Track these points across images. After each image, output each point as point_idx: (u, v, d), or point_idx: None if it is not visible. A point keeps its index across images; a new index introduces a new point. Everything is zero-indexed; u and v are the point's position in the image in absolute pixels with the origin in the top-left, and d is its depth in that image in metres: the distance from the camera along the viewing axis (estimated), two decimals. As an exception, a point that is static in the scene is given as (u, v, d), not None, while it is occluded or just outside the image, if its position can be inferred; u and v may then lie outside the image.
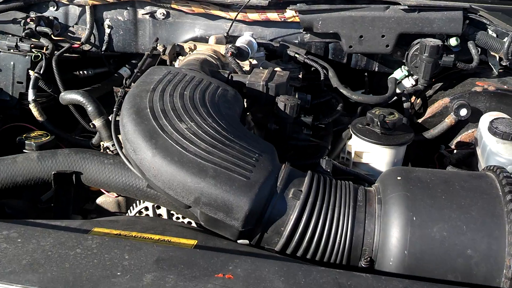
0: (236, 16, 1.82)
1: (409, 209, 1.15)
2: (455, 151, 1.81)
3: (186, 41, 1.95)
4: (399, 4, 1.72)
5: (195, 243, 1.16)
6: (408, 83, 1.85)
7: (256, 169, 1.20)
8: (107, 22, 2.07)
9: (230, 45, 1.69)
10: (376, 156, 1.52)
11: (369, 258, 1.18)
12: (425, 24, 1.74)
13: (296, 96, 1.66)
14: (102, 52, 2.11)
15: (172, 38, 2.00)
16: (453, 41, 1.76)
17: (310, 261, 1.19)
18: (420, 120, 1.84)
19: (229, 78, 1.63)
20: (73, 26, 2.12)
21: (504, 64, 1.76)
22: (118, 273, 0.90)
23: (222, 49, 1.76)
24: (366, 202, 1.22)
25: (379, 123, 1.49)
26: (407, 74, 1.84)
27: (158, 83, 1.40)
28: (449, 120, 1.76)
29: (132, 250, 0.97)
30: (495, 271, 1.10)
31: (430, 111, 1.82)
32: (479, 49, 1.77)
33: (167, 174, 1.18)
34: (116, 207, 1.69)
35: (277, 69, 1.75)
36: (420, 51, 1.74)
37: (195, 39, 1.97)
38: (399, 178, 1.22)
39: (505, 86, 1.76)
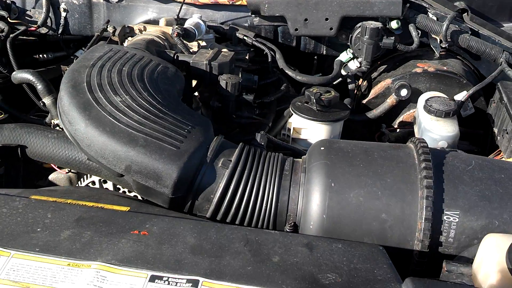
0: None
1: (328, 176, 1.21)
2: (398, 130, 1.88)
3: (145, 23, 2.00)
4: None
5: (127, 210, 1.21)
6: (353, 65, 1.91)
7: (187, 140, 1.26)
8: (62, 6, 2.11)
9: (176, 26, 1.75)
10: (313, 132, 1.58)
11: (293, 223, 1.25)
12: (366, 7, 1.80)
13: (240, 76, 1.72)
14: (59, 35, 2.15)
15: (126, 21, 2.05)
16: (394, 24, 1.83)
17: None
18: (364, 101, 1.91)
19: (175, 57, 1.68)
20: (30, 10, 2.15)
21: (443, 46, 1.83)
22: (38, 229, 0.95)
23: (170, 30, 1.81)
24: (292, 172, 1.29)
25: (314, 101, 1.55)
26: (352, 56, 1.90)
27: (98, 60, 1.46)
28: (391, 100, 1.83)
29: (56, 210, 1.03)
30: (408, 234, 1.17)
31: (373, 92, 1.89)
32: (419, 32, 1.84)
33: (99, 144, 1.23)
34: (68, 183, 1.74)
35: (224, 50, 1.80)
36: (361, 34, 1.81)
37: (148, 22, 2.02)
38: (322, 148, 1.28)
39: (445, 67, 1.83)
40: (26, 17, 2.16)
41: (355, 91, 2.03)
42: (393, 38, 1.80)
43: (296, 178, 1.27)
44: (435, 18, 1.84)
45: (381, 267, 0.91)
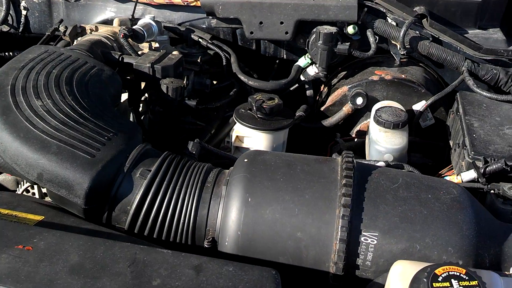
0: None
1: (246, 190, 1.16)
2: (355, 139, 1.82)
3: (98, 23, 1.96)
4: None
5: (40, 219, 1.18)
6: (312, 71, 1.85)
7: (105, 148, 1.22)
8: (23, 4, 2.08)
9: (123, 27, 1.70)
10: (255, 140, 1.53)
11: (211, 239, 1.20)
12: (321, 11, 1.74)
13: (192, 80, 1.67)
14: (20, 34, 2.12)
15: (85, 20, 2.01)
16: (350, 29, 1.77)
17: (157, 241, 1.21)
18: (322, 108, 1.85)
19: (120, 59, 1.64)
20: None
21: (402, 52, 1.76)
22: None
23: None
24: (215, 184, 1.24)
25: (255, 108, 1.50)
26: (310, 62, 1.84)
27: (29, 61, 1.42)
28: (346, 108, 1.77)
29: None
30: (324, 254, 1.12)
31: (330, 99, 1.83)
32: (377, 38, 1.77)
33: (12, 150, 1.20)
34: (15, 185, 1.71)
35: (175, 52, 1.76)
36: (315, 39, 1.75)
37: (106, 21, 1.98)
38: (245, 160, 1.23)
39: (403, 75, 1.77)
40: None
41: (317, 97, 1.98)
42: (348, 44, 1.74)
43: (218, 191, 1.22)
44: (394, 24, 1.77)
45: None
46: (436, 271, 0.90)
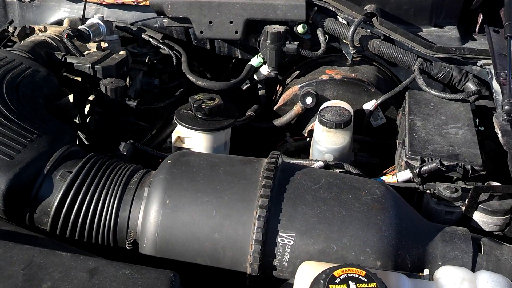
0: (86, -1, 1.82)
1: (164, 191, 1.15)
2: (307, 139, 1.80)
3: (51, 24, 1.96)
4: (240, -11, 1.72)
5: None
6: (265, 70, 1.84)
7: (25, 150, 1.21)
8: (-23, 6, 2.08)
9: (67, 28, 1.70)
10: (195, 141, 1.51)
11: (133, 240, 1.19)
12: (269, 11, 1.73)
13: (128, 80, 1.66)
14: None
15: (39, 20, 2.01)
16: (300, 28, 1.75)
17: (79, 242, 1.20)
18: (274, 108, 1.84)
19: (63, 59, 1.63)
20: None
21: (352, 51, 1.75)
22: None
23: (68, 31, 1.76)
24: (138, 185, 1.23)
25: (193, 109, 1.49)
26: (263, 61, 1.83)
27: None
28: (297, 108, 1.75)
29: None
30: (241, 256, 1.10)
31: (282, 99, 1.82)
32: (327, 37, 1.76)
33: None
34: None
35: (122, 52, 1.75)
36: (264, 38, 1.74)
37: (60, 22, 1.97)
38: (168, 161, 1.22)
39: (353, 75, 1.75)
40: None
41: (273, 97, 1.96)
42: (296, 43, 1.73)
43: (141, 193, 1.21)
44: (345, 22, 1.76)
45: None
46: (335, 273, 0.89)
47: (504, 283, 0.96)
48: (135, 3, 1.86)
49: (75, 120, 1.72)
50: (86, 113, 1.72)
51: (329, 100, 1.74)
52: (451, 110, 1.58)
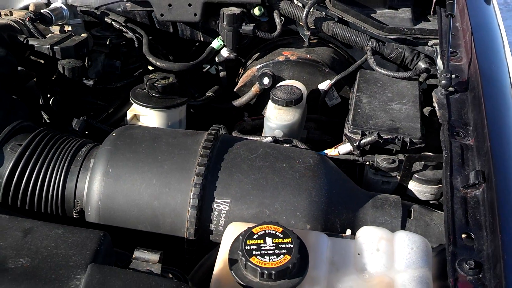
0: (49, -16, 1.87)
1: (107, 162, 1.21)
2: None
3: (22, 8, 2.00)
4: (199, -27, 1.76)
5: None
6: (225, 53, 1.89)
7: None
8: None
9: (30, 11, 1.74)
10: (150, 119, 1.57)
11: (79, 209, 1.24)
12: (226, -7, 1.78)
13: (86, 61, 1.71)
14: None
15: (7, 6, 2.04)
16: (256, 11, 1.80)
17: (29, 212, 1.26)
18: (235, 89, 1.89)
19: (25, 42, 1.68)
20: None
21: (306, 33, 1.80)
22: None
23: (32, 15, 1.80)
24: (85, 157, 1.28)
25: (146, 87, 1.54)
26: (223, 44, 1.88)
27: None
28: (255, 88, 1.80)
29: None
30: (179, 222, 1.16)
31: (241, 80, 1.87)
32: (282, 19, 1.81)
33: None
34: None
35: (83, 35, 1.80)
36: (221, 20, 1.78)
37: (27, 7, 2.01)
38: (113, 134, 1.28)
39: (308, 56, 1.80)
40: None
41: (236, 79, 2.01)
42: (252, 25, 1.78)
43: (87, 164, 1.27)
44: (300, 5, 1.81)
45: (83, 253, 0.90)
46: (253, 230, 0.94)
47: (420, 242, 1.01)
48: (98, -12, 1.91)
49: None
50: (48, 95, 1.76)
51: (285, 80, 1.79)
52: (399, 88, 1.63)
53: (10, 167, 1.24)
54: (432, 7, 1.90)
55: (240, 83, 1.88)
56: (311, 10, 1.77)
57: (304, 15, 1.75)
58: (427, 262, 0.99)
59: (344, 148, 1.41)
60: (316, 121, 1.79)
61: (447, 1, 1.61)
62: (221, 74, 1.95)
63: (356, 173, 1.42)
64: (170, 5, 1.83)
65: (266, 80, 1.77)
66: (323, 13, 1.80)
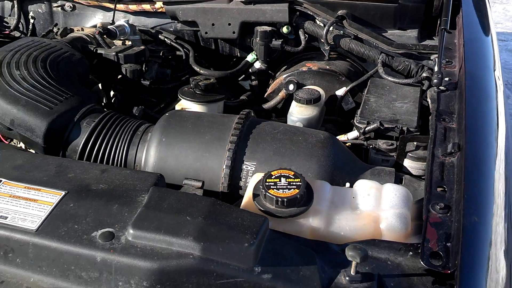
0: (115, 6, 2.25)
1: (161, 134, 1.52)
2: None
3: (91, 27, 2.39)
4: (236, -3, 2.12)
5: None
6: (258, 65, 2.22)
7: (61, 104, 1.61)
8: (31, 14, 2.53)
9: (99, 26, 2.12)
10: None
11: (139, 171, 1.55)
12: (259, 14, 2.11)
13: (144, 66, 2.06)
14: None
15: (78, 25, 2.43)
16: (284, 29, 2.13)
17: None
18: (265, 95, 2.20)
19: (94, 50, 2.05)
20: (6, 17, 2.59)
21: (326, 48, 2.11)
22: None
23: (100, 31, 2.18)
24: (144, 132, 1.60)
25: (192, 85, 1.88)
26: (256, 57, 2.21)
27: (18, 46, 1.84)
28: (281, 94, 2.11)
29: None
30: (216, 179, 1.46)
31: (271, 87, 2.18)
32: (307, 36, 2.13)
33: (-7, 104, 1.60)
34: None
35: (142, 47, 2.16)
36: (255, 37, 2.12)
37: (95, 26, 2.40)
38: (166, 114, 1.60)
39: (328, 67, 2.11)
40: (4, 23, 2.60)
41: (267, 89, 2.33)
42: (281, 40, 2.10)
43: (146, 137, 1.59)
44: (322, 25, 2.13)
45: (146, 184, 1.20)
46: (272, 172, 1.23)
47: (403, 190, 1.28)
48: (154, 10, 2.28)
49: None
50: (111, 95, 2.12)
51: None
52: (403, 92, 1.92)
53: (85, 137, 1.57)
54: (437, 28, 2.20)
55: (269, 90, 2.20)
56: (331, 28, 2.09)
57: (324, 33, 2.07)
58: (407, 204, 1.25)
59: (352, 134, 1.70)
60: (334, 122, 2.08)
61: (442, 18, 1.90)
62: (254, 82, 2.27)
63: (362, 155, 1.70)
64: (213, 24, 2.18)
65: (291, 87, 2.08)
66: (341, 31, 2.12)
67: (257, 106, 2.17)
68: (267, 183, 1.20)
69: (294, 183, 1.21)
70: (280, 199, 1.16)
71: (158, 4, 2.25)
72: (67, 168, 1.27)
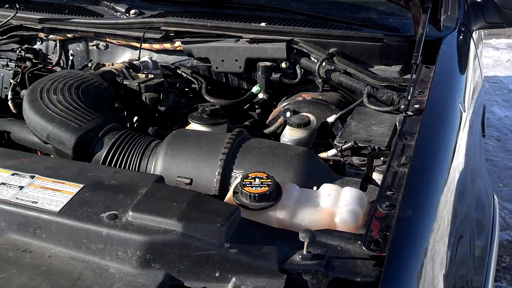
0: (140, 45, 2.60)
1: (167, 147, 1.81)
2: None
3: (120, 62, 2.75)
4: (242, 37, 2.43)
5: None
6: (261, 95, 2.51)
7: (88, 123, 1.92)
8: (70, 51, 2.91)
9: (126, 62, 2.46)
10: (201, 133, 2.18)
11: (148, 179, 1.84)
12: (261, 52, 2.41)
13: (161, 95, 2.38)
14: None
15: (111, 61, 2.80)
16: (283, 64, 2.42)
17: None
18: (267, 122, 2.48)
19: (120, 81, 2.39)
20: (50, 54, 2.98)
21: (319, 81, 2.39)
22: None
23: (127, 66, 2.52)
24: (154, 147, 1.90)
25: (200, 110, 2.18)
26: (259, 89, 2.51)
27: (57, 76, 2.18)
28: (280, 120, 2.39)
29: None
30: (210, 184, 1.73)
31: (271, 115, 2.46)
32: (303, 70, 2.42)
33: (33, 122, 1.92)
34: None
35: (162, 79, 2.48)
36: (257, 71, 2.42)
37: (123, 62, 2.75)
38: (173, 132, 1.90)
39: (320, 97, 2.38)
40: (47, 59, 2.98)
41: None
42: (279, 74, 2.39)
43: (155, 151, 1.88)
44: (315, 61, 2.41)
45: (148, 181, 1.48)
46: (249, 175, 1.50)
47: (358, 193, 1.52)
48: (174, 49, 2.61)
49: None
50: (134, 121, 2.44)
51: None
52: (382, 118, 2.16)
53: (106, 150, 1.87)
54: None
55: (270, 117, 2.47)
56: (323, 64, 2.37)
57: (317, 68, 2.35)
58: (360, 204, 1.49)
59: (332, 152, 1.95)
60: (325, 145, 2.34)
61: (414, 54, 2.14)
62: (257, 111, 2.55)
63: (340, 170, 1.94)
64: (222, 60, 2.49)
65: (288, 114, 2.35)
66: (332, 66, 2.39)
67: (257, 131, 2.44)
68: (244, 183, 1.47)
69: (266, 183, 1.47)
70: (252, 195, 1.42)
71: (177, 44, 2.58)
72: (87, 169, 1.56)
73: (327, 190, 1.54)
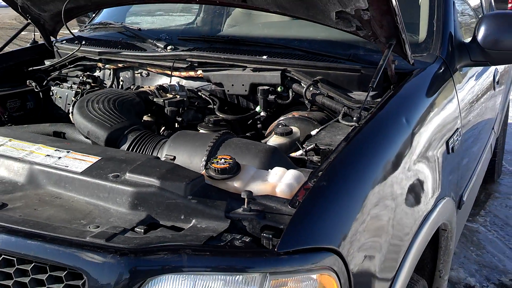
0: (171, 73, 3.22)
1: (171, 141, 2.37)
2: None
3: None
4: (247, 67, 2.99)
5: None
6: (262, 113, 3.04)
7: (118, 124, 2.53)
8: (121, 78, 3.58)
9: (158, 85, 3.09)
10: (206, 138, 2.73)
11: (156, 166, 2.40)
12: (261, 78, 2.95)
13: (181, 109, 2.97)
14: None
15: (147, 84, 3.44)
16: (279, 89, 2.94)
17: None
18: (265, 134, 3.00)
19: (152, 99, 3.01)
20: (106, 80, 3.67)
21: (307, 102, 2.89)
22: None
23: (159, 88, 3.14)
24: (163, 144, 2.46)
25: (205, 121, 2.74)
26: (261, 108, 3.04)
27: (102, 92, 2.83)
28: (273, 133, 2.90)
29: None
30: (197, 169, 2.26)
31: (268, 129, 2.98)
32: (294, 93, 2.93)
33: (78, 122, 2.55)
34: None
35: (185, 99, 3.08)
36: (258, 93, 2.97)
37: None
38: (177, 132, 2.46)
39: (306, 115, 2.87)
40: (103, 84, 3.67)
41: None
42: (274, 95, 2.92)
43: (163, 146, 2.45)
44: (305, 86, 2.92)
45: (145, 159, 2.04)
46: (218, 156, 2.02)
47: (297, 173, 1.99)
48: (197, 76, 3.21)
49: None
50: (160, 131, 3.04)
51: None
52: (348, 130, 2.62)
53: (128, 144, 2.45)
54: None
55: (267, 131, 2.99)
56: (310, 88, 2.87)
57: (304, 91, 2.86)
58: (298, 180, 1.96)
59: (299, 152, 2.44)
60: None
61: (372, 80, 2.59)
62: (259, 126, 3.08)
63: (304, 165, 2.42)
64: (232, 85, 3.06)
65: (280, 127, 2.86)
66: (318, 91, 2.89)
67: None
68: (212, 161, 1.99)
69: (228, 161, 1.98)
70: (217, 169, 1.94)
71: (199, 72, 3.18)
72: (107, 150, 2.15)
73: (276, 171, 2.03)
